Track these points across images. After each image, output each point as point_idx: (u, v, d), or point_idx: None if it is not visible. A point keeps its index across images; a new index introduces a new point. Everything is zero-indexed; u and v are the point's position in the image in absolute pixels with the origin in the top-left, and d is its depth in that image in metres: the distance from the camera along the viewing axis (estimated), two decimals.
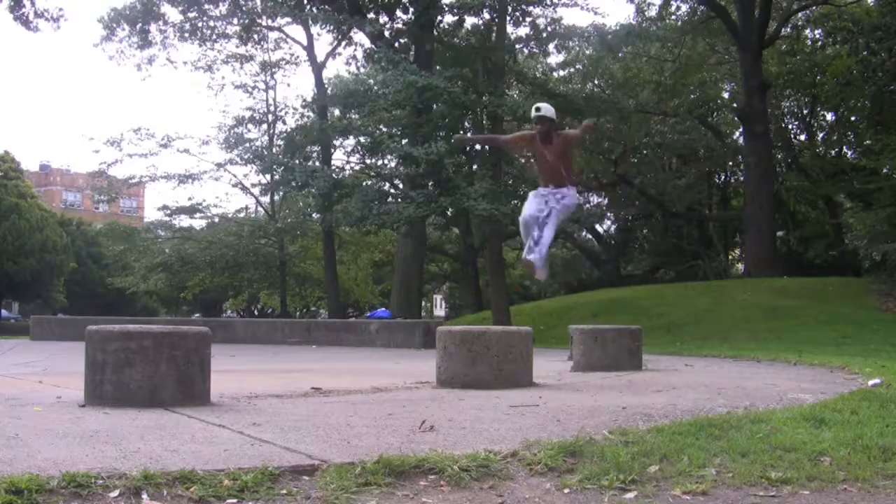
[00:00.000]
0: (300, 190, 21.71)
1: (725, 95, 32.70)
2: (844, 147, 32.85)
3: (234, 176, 29.01)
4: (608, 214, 37.69)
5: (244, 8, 25.11)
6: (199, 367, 4.88)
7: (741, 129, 27.90)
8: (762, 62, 25.63)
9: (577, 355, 8.66)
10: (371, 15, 22.15)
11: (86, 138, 40.92)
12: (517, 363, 6.54)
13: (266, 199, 32.00)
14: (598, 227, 36.91)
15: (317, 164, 23.15)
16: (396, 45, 21.68)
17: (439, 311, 53.00)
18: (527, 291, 41.06)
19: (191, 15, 25.00)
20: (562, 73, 31.31)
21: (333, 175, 22.19)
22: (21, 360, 10.12)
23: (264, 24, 26.92)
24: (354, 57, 27.81)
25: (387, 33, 22.26)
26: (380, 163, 25.24)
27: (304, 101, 26.42)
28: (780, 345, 12.45)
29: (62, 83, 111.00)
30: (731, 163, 34.36)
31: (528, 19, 22.43)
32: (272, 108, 28.97)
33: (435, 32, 22.42)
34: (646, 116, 29.03)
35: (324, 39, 37.58)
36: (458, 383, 6.23)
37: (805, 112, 32.89)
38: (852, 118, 30.06)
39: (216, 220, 31.74)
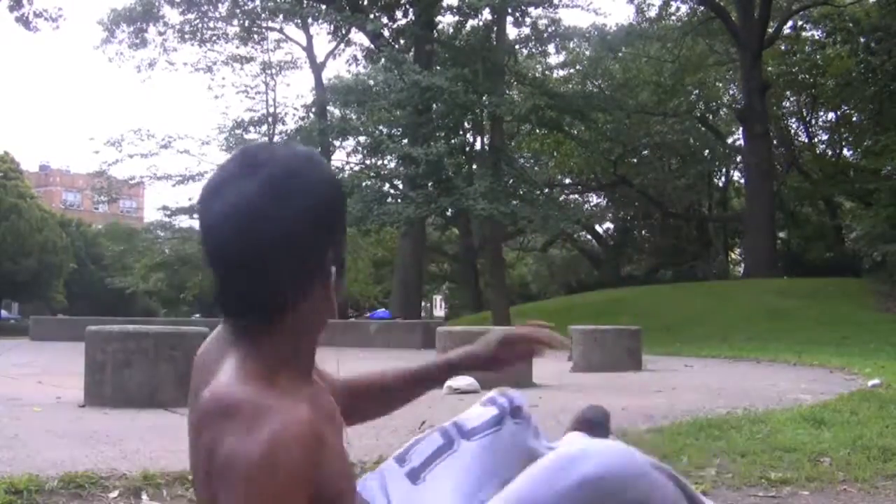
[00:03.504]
0: None
1: (730, 94, 32.68)
2: (844, 147, 32.87)
3: None
4: (608, 215, 37.72)
5: (244, 9, 25.12)
6: None
7: (741, 129, 27.89)
8: (762, 62, 25.63)
9: (577, 356, 8.66)
10: (371, 16, 22.18)
11: (86, 138, 40.96)
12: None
13: None
14: (597, 227, 36.95)
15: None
16: (396, 45, 21.71)
17: (439, 311, 52.98)
18: (526, 292, 41.08)
19: (190, 16, 25.01)
20: (562, 73, 31.34)
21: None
22: (21, 360, 10.11)
23: (264, 24, 26.92)
24: (354, 58, 27.86)
25: (386, 33, 22.30)
26: (380, 163, 25.27)
27: (305, 104, 26.47)
28: (780, 345, 12.44)
29: (62, 83, 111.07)
30: (731, 163, 34.37)
31: (529, 20, 22.49)
32: (272, 109, 28.97)
33: (435, 33, 22.46)
34: (645, 116, 29.03)
35: (323, 40, 37.62)
36: None
37: (805, 112, 32.90)
38: (853, 118, 30.07)
39: None
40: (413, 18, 21.82)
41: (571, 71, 31.18)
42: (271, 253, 1.07)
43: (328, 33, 26.33)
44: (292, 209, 1.08)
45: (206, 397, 1.07)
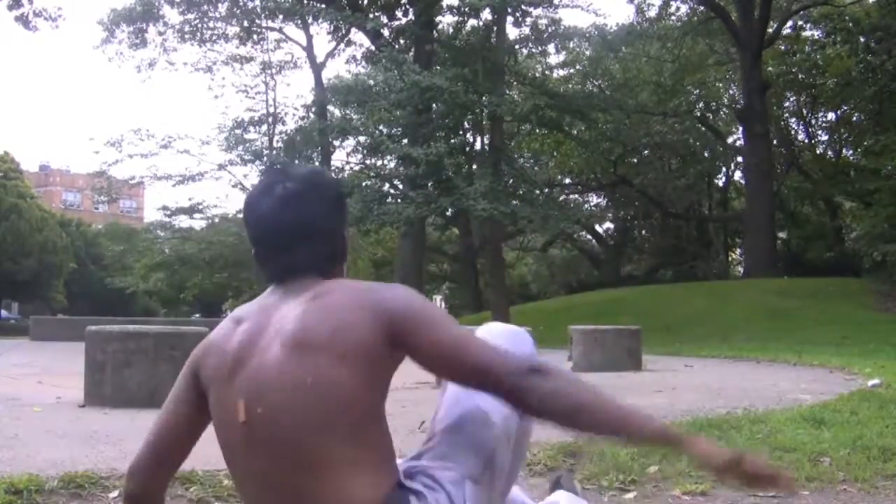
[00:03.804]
0: None
1: (730, 94, 32.67)
2: (844, 147, 32.87)
3: (234, 176, 29.01)
4: (608, 215, 37.70)
5: (243, 9, 25.11)
6: None
7: (741, 129, 27.90)
8: (762, 62, 25.63)
9: (577, 356, 8.66)
10: (371, 15, 22.17)
11: (86, 138, 40.94)
12: None
13: None
14: (597, 227, 36.95)
15: (317, 164, 23.17)
16: (396, 45, 21.70)
17: None
18: (526, 292, 41.05)
19: (190, 16, 25.00)
20: (561, 73, 31.36)
21: (333, 175, 22.16)
22: (21, 360, 10.11)
23: (264, 24, 26.91)
24: (354, 57, 27.86)
25: (386, 33, 22.29)
26: (380, 163, 25.27)
27: (305, 104, 26.45)
28: (780, 345, 12.44)
29: (62, 83, 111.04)
30: (731, 163, 34.38)
31: (529, 19, 22.49)
32: (272, 109, 28.94)
33: (434, 33, 22.45)
34: (645, 116, 29.03)
35: (323, 40, 37.72)
36: None
37: (805, 112, 32.90)
38: (853, 118, 30.07)
39: (216, 220, 31.72)
40: (413, 18, 21.82)
41: (571, 71, 31.19)
42: (322, 226, 1.51)
43: (328, 33, 26.34)
44: (327, 195, 1.55)
45: (348, 290, 1.46)
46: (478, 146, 25.76)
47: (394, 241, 29.38)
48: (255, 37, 27.80)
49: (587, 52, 29.44)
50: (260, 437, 1.37)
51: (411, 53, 21.24)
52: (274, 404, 1.36)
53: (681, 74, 28.23)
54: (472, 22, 23.25)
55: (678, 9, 29.29)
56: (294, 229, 1.48)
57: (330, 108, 24.67)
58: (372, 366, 1.38)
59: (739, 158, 30.41)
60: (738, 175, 34.56)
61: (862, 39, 21.75)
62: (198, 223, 32.07)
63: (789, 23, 28.31)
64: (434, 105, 19.27)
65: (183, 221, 31.83)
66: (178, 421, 1.51)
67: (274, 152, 25.51)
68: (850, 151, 32.06)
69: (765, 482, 1.38)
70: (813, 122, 33.50)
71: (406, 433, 3.76)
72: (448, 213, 21.85)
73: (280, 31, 27.70)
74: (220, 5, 25.01)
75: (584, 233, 35.91)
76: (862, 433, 3.82)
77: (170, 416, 1.52)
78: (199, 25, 25.81)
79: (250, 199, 1.54)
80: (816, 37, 28.49)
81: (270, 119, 28.38)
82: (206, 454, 3.14)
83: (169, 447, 1.53)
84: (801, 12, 27.27)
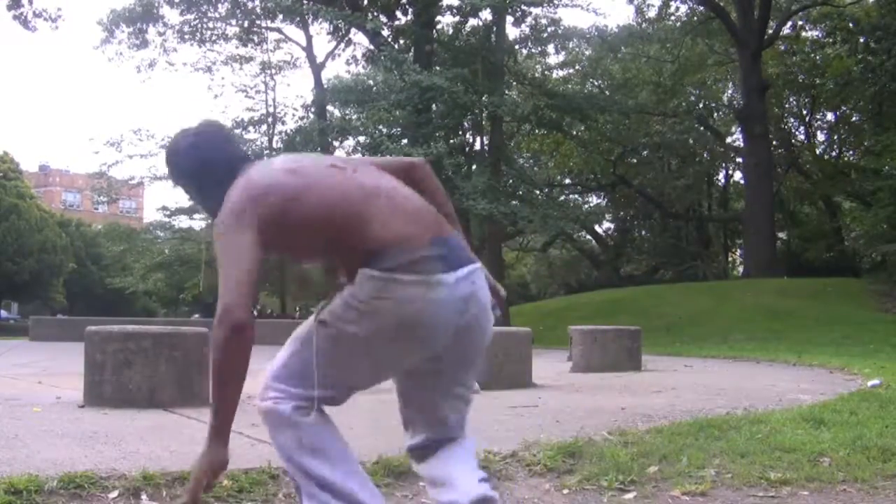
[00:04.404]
0: None
1: (731, 93, 32.67)
2: (844, 147, 32.87)
3: None
4: (608, 215, 37.69)
5: (243, 9, 25.11)
6: (197, 368, 4.87)
7: (741, 130, 27.91)
8: (762, 62, 25.63)
9: (577, 356, 8.66)
10: (370, 15, 22.16)
11: (86, 138, 40.99)
12: (516, 364, 6.55)
13: None
14: (597, 227, 36.93)
15: None
16: (396, 45, 21.69)
17: None
18: (526, 292, 41.01)
19: (190, 17, 25.00)
20: (561, 73, 31.36)
21: None
22: (21, 360, 10.11)
23: (263, 24, 26.91)
24: (354, 57, 27.85)
25: (386, 33, 22.28)
26: None
27: (304, 104, 26.44)
28: (780, 345, 12.45)
29: (62, 83, 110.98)
30: (731, 163, 34.37)
31: (529, 19, 22.48)
32: (272, 109, 28.93)
33: (434, 33, 22.43)
34: (645, 116, 29.03)
35: (323, 40, 37.74)
36: None
37: (805, 112, 32.90)
38: (852, 118, 30.06)
39: None
40: (413, 18, 21.81)
41: (571, 71, 31.19)
42: (231, 137, 2.12)
43: (328, 33, 26.33)
44: (219, 126, 2.17)
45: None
46: (477, 146, 25.76)
47: None
48: (254, 37, 27.80)
49: (587, 53, 29.45)
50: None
51: (411, 53, 21.23)
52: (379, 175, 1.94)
53: (680, 75, 28.23)
54: (472, 22, 23.25)
55: (678, 9, 29.34)
56: (216, 141, 1.99)
57: (330, 108, 24.61)
58: None
59: (739, 159, 30.41)
60: (737, 175, 34.59)
61: (862, 39, 21.77)
62: (197, 223, 32.07)
63: (789, 23, 28.32)
64: (434, 105, 19.25)
65: (182, 221, 31.85)
66: (259, 249, 1.83)
67: (274, 152, 25.49)
68: (851, 151, 32.07)
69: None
70: (813, 122, 33.51)
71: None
72: None
73: (280, 31, 27.72)
74: (219, 5, 25.01)
75: (583, 233, 35.89)
76: (862, 433, 3.82)
77: (253, 251, 1.82)
78: (199, 26, 25.80)
79: (171, 150, 2.02)
80: (816, 37, 28.50)
81: (270, 119, 28.37)
82: None
83: (255, 279, 1.85)
84: (801, 12, 27.27)
